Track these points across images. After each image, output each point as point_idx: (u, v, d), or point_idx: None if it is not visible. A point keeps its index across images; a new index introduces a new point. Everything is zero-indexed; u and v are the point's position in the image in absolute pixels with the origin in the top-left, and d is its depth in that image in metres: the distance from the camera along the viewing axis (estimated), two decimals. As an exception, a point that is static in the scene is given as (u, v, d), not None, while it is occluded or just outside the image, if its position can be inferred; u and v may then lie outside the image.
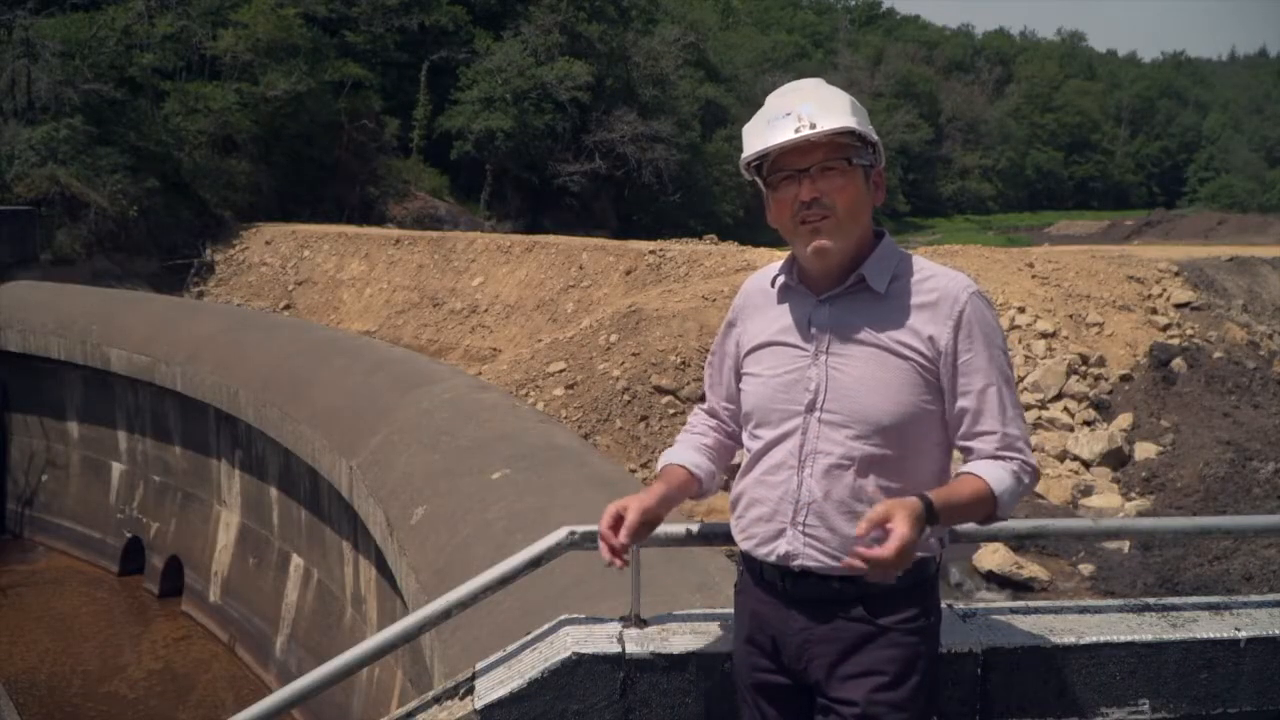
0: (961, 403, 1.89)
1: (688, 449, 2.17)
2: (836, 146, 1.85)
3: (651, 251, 19.68)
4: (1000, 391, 1.89)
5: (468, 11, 36.41)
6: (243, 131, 27.10)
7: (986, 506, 1.85)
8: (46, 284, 12.99)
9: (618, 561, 1.94)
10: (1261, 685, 2.40)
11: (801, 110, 1.84)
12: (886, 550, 1.66)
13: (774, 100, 1.92)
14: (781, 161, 1.88)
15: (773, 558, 1.95)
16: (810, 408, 1.91)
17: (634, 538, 1.96)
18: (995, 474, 1.86)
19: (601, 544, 1.96)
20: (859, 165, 1.88)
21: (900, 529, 1.68)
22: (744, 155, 1.92)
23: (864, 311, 1.91)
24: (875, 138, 1.90)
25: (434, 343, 19.81)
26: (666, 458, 2.17)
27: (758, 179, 1.96)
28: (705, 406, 2.24)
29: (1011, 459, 1.88)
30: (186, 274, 23.57)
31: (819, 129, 1.82)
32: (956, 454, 2.00)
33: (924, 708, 1.93)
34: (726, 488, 2.18)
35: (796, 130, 1.82)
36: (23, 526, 11.55)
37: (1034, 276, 15.20)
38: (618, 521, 1.96)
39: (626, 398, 12.13)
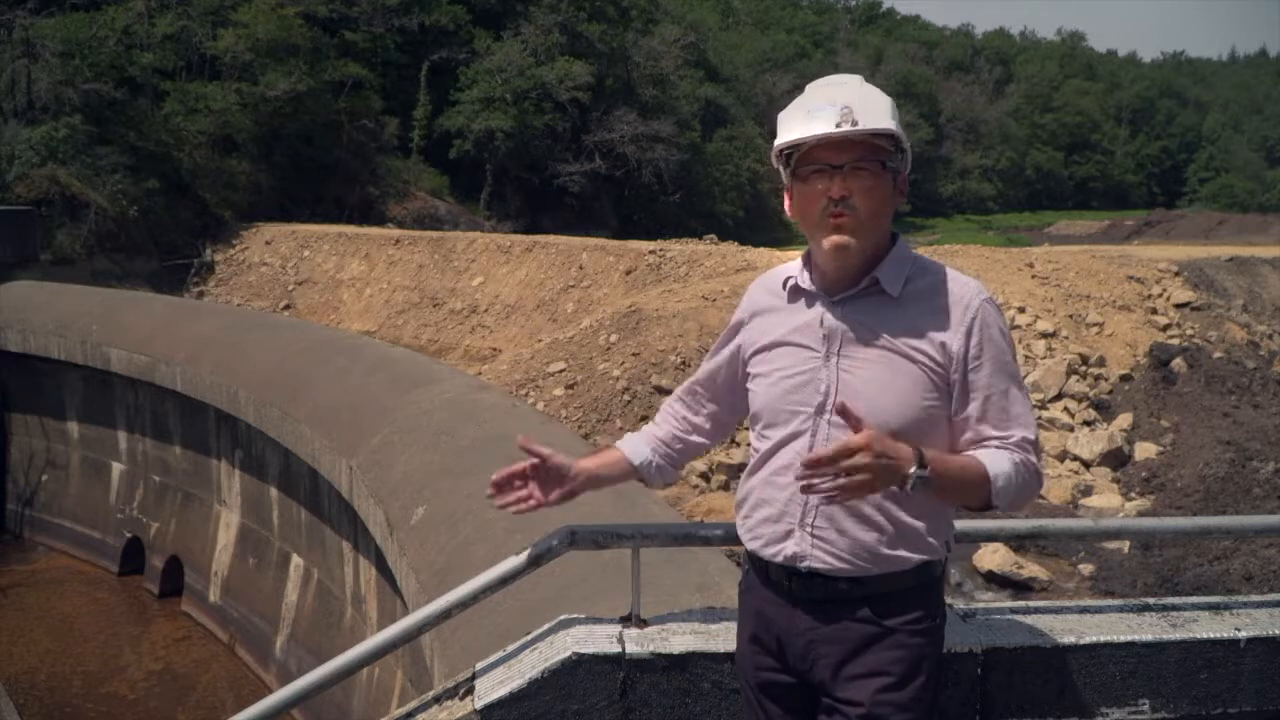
0: (969, 409, 1.88)
1: (636, 438, 2.27)
2: (873, 148, 1.83)
3: (651, 251, 19.66)
4: (1009, 396, 1.88)
5: (468, 11, 36.39)
6: (243, 131, 27.07)
7: (980, 485, 1.81)
8: (46, 284, 12.99)
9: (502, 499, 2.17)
10: (1261, 685, 2.40)
11: (844, 105, 1.81)
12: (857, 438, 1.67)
13: (815, 90, 1.89)
14: (815, 154, 1.85)
15: (780, 558, 1.94)
16: (820, 409, 1.89)
17: (535, 476, 2.17)
18: (992, 457, 1.84)
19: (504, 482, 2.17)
20: (890, 169, 1.86)
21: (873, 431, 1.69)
22: (779, 140, 1.89)
23: (877, 314, 1.90)
24: (908, 144, 1.89)
25: (434, 343, 19.80)
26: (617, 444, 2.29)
27: (783, 169, 1.93)
28: (683, 386, 2.26)
29: (1014, 452, 1.85)
30: (186, 274, 23.55)
31: (860, 126, 1.80)
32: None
33: (928, 708, 1.93)
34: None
35: (838, 125, 1.80)
36: (23, 526, 11.55)
37: (1034, 276, 15.19)
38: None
39: (626, 398, 12.12)
